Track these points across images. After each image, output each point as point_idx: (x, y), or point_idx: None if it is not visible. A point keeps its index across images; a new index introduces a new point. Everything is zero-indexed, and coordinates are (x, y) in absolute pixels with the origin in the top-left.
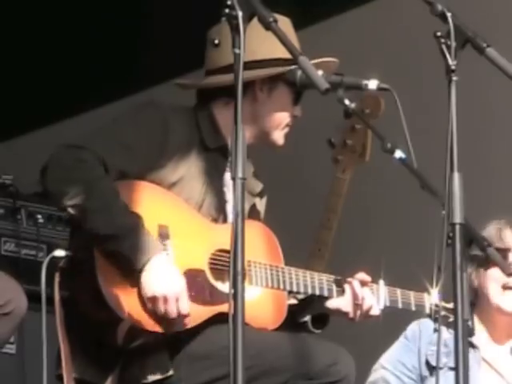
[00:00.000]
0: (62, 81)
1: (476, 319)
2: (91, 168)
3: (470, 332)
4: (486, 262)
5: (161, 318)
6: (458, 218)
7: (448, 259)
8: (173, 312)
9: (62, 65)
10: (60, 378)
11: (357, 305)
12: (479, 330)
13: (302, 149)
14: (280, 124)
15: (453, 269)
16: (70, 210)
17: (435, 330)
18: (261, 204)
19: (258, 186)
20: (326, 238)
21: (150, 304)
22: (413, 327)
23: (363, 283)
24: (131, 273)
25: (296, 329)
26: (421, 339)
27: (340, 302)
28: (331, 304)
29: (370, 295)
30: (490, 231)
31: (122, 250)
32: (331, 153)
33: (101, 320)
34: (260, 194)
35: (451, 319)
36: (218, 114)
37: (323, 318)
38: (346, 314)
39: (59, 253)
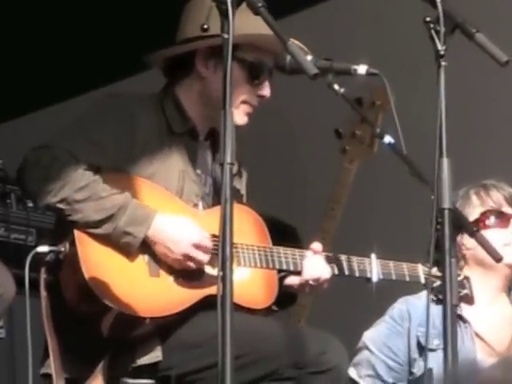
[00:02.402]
0: (51, 66)
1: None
2: (66, 162)
3: (470, 301)
4: (479, 226)
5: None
6: (446, 203)
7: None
8: (209, 247)
9: (51, 50)
10: (45, 376)
11: (311, 282)
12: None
13: (301, 138)
14: (233, 102)
15: (441, 253)
16: (59, 205)
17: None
18: (240, 183)
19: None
20: (330, 227)
21: (185, 262)
22: (400, 307)
23: (315, 252)
24: (128, 253)
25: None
26: (410, 320)
27: (293, 280)
28: (285, 281)
29: (326, 269)
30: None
31: (120, 226)
32: (338, 143)
33: (87, 312)
34: (237, 175)
35: (464, 291)
36: (183, 97)
37: (290, 296)
38: (300, 289)
39: (42, 248)
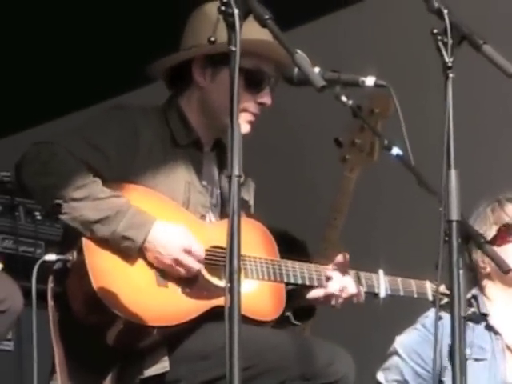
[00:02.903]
0: (60, 78)
1: (493, 298)
2: (66, 160)
3: (478, 319)
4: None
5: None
6: (454, 215)
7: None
8: (201, 255)
9: (59, 62)
10: None
11: (336, 294)
12: (496, 311)
13: (306, 148)
14: None
15: (449, 266)
16: (56, 201)
17: (440, 318)
18: (248, 194)
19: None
20: (333, 236)
21: (176, 268)
22: (432, 316)
23: (340, 265)
24: (126, 257)
25: (280, 323)
26: (443, 329)
27: (318, 293)
28: (310, 295)
29: (352, 285)
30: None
31: (119, 230)
32: (338, 152)
33: (94, 322)
34: (244, 185)
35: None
36: (186, 108)
37: (308, 310)
38: (325, 302)
39: (50, 257)
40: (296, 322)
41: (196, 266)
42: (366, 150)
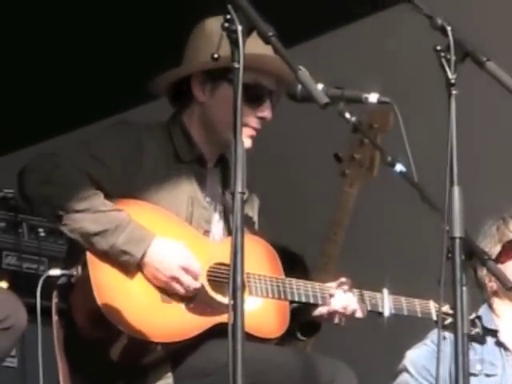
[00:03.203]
0: (63, 95)
1: (501, 315)
2: (69, 171)
3: (481, 340)
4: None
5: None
6: (458, 231)
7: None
8: (197, 273)
9: (62, 79)
10: None
11: (340, 311)
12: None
13: (305, 162)
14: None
15: (453, 283)
16: (58, 212)
17: (444, 338)
18: (252, 210)
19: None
20: (333, 251)
21: (173, 285)
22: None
23: (342, 285)
24: (129, 272)
25: (285, 338)
26: (451, 347)
27: (322, 310)
28: (314, 312)
29: (354, 301)
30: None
31: (118, 244)
32: (338, 167)
33: (98, 338)
34: (248, 201)
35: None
36: (189, 125)
37: (313, 325)
38: (329, 319)
39: (54, 271)
40: (302, 338)
41: (193, 284)
42: (366, 165)
